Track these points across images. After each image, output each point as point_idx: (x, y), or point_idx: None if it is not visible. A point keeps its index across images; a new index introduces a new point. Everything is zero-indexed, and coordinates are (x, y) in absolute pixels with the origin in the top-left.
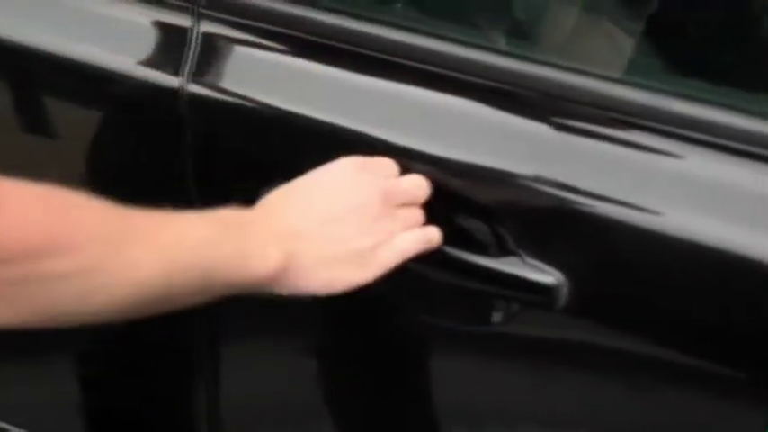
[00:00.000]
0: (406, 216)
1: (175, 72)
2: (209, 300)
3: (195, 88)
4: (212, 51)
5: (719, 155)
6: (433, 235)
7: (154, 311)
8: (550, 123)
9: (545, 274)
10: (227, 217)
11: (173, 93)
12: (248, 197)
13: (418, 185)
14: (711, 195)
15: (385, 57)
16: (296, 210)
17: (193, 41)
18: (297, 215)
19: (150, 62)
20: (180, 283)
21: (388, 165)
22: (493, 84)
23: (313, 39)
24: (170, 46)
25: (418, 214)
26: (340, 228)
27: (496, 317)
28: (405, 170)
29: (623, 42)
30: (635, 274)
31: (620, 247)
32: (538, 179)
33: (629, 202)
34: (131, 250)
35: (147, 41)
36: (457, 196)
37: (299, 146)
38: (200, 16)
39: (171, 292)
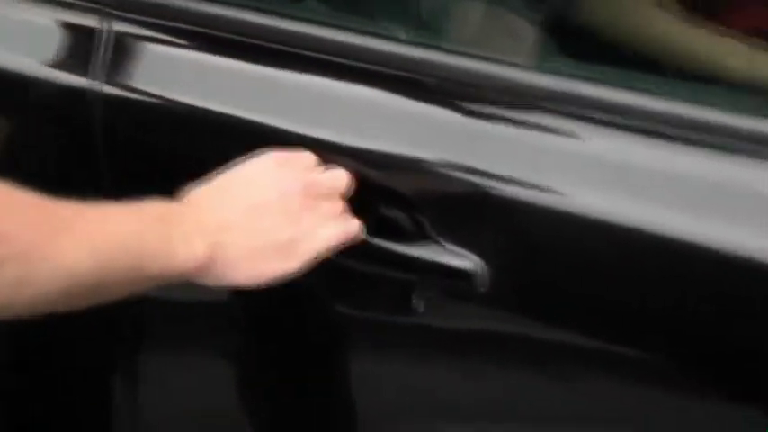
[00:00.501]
0: (328, 207)
1: (85, 73)
2: (140, 290)
3: (107, 88)
4: (122, 51)
5: (625, 134)
6: (355, 226)
7: (85, 302)
8: (460, 110)
9: (464, 260)
10: (154, 209)
11: (83, 93)
12: (164, 195)
13: (338, 177)
14: (619, 174)
15: (296, 50)
16: (220, 202)
17: (103, 42)
18: (221, 208)
19: (60, 64)
20: (110, 274)
21: (308, 158)
22: (403, 74)
23: (224, 35)
24: (80, 47)
25: (340, 206)
26: (263, 220)
27: (418, 305)
28: (323, 162)
29: (525, 31)
30: (548, 257)
31: (531, 230)
32: (450, 165)
33: (536, 184)
34: (62, 240)
35: (57, 43)
36: (375, 186)
37: (214, 142)
38: (109, 16)
39: (101, 282)
